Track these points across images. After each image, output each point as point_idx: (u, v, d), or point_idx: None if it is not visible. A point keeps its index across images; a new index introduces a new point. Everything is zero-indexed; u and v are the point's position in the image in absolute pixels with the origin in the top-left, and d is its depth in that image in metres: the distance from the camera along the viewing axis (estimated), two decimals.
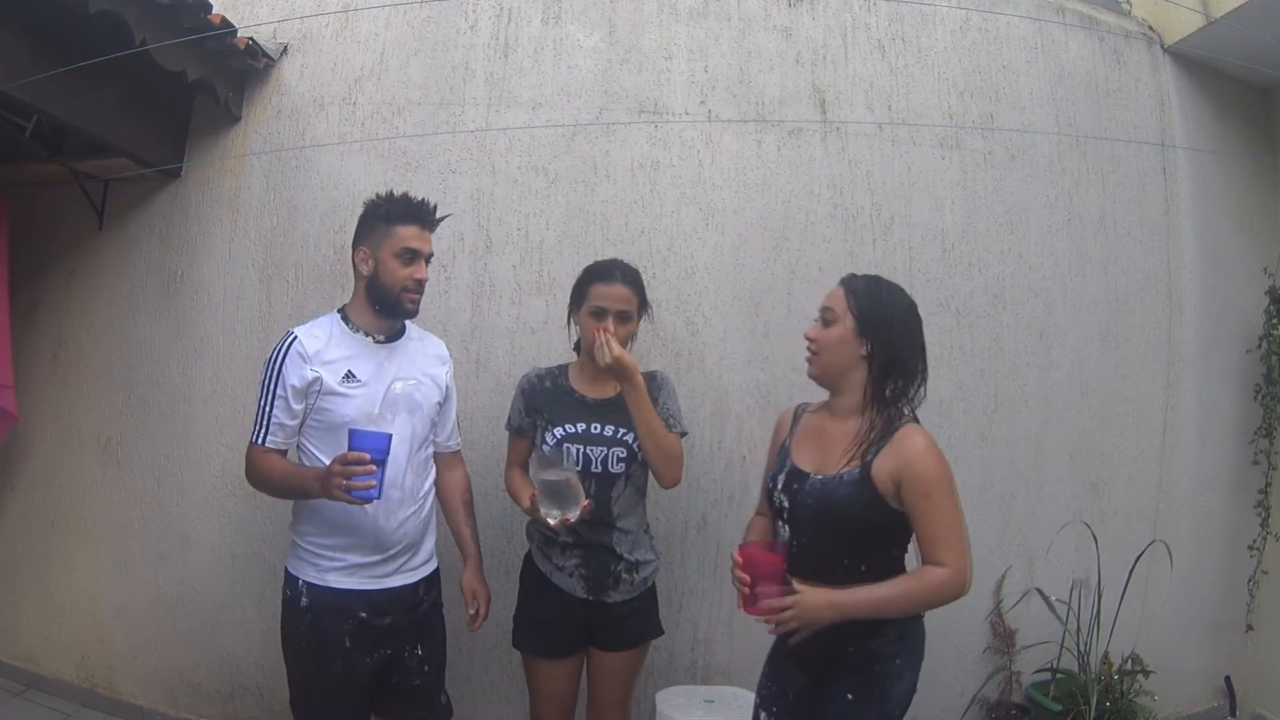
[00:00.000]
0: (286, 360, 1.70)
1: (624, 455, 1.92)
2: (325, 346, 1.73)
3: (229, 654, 2.57)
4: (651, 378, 2.00)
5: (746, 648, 2.48)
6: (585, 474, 1.88)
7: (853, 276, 1.63)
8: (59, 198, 2.84)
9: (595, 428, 1.93)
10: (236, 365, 2.61)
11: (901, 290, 1.62)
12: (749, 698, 2.15)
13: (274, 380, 1.70)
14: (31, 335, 2.84)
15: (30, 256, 2.84)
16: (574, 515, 1.75)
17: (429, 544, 1.88)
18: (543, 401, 1.98)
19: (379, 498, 1.57)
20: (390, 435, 1.62)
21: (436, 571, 1.91)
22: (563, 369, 2.04)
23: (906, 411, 1.57)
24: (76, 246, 2.83)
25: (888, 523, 1.52)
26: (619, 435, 1.93)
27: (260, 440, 1.70)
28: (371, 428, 1.70)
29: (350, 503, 1.56)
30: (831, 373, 1.59)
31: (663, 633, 2.11)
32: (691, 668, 2.51)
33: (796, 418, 1.73)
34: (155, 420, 2.68)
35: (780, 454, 1.68)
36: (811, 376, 1.64)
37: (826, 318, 1.59)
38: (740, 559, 1.55)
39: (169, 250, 2.71)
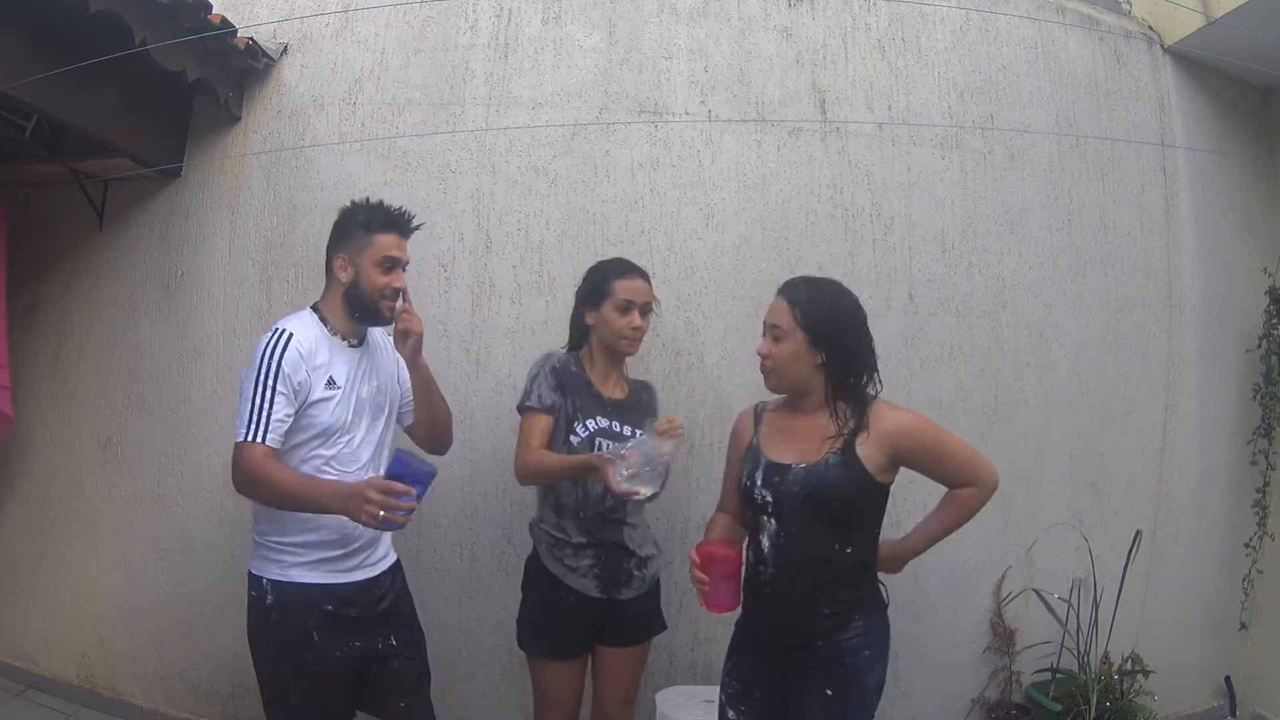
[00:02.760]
0: (285, 356, 1.64)
1: None
2: (315, 349, 1.69)
3: (229, 654, 2.56)
4: (649, 389, 2.13)
5: None
6: None
7: (792, 286, 1.64)
8: (59, 198, 2.84)
9: (616, 425, 1.96)
10: (236, 365, 2.59)
11: (842, 288, 1.65)
12: None
13: (273, 374, 1.62)
14: (31, 336, 2.84)
15: (30, 256, 2.84)
16: (658, 489, 1.75)
17: (387, 538, 1.87)
18: (571, 388, 1.96)
19: (402, 528, 1.53)
20: (435, 471, 1.57)
21: (398, 561, 1.90)
22: (577, 359, 2.03)
23: (871, 394, 1.63)
24: (76, 246, 2.83)
25: (874, 499, 1.60)
26: (635, 435, 1.95)
27: (259, 437, 1.59)
28: (344, 435, 1.70)
29: (374, 528, 1.51)
30: (791, 384, 1.63)
31: (666, 627, 2.12)
32: (691, 668, 2.51)
33: (758, 417, 1.75)
34: (155, 420, 2.68)
35: (750, 452, 1.70)
36: (771, 389, 1.67)
37: (776, 334, 1.61)
38: (697, 558, 1.60)
39: (169, 250, 2.71)
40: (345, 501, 1.50)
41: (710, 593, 1.59)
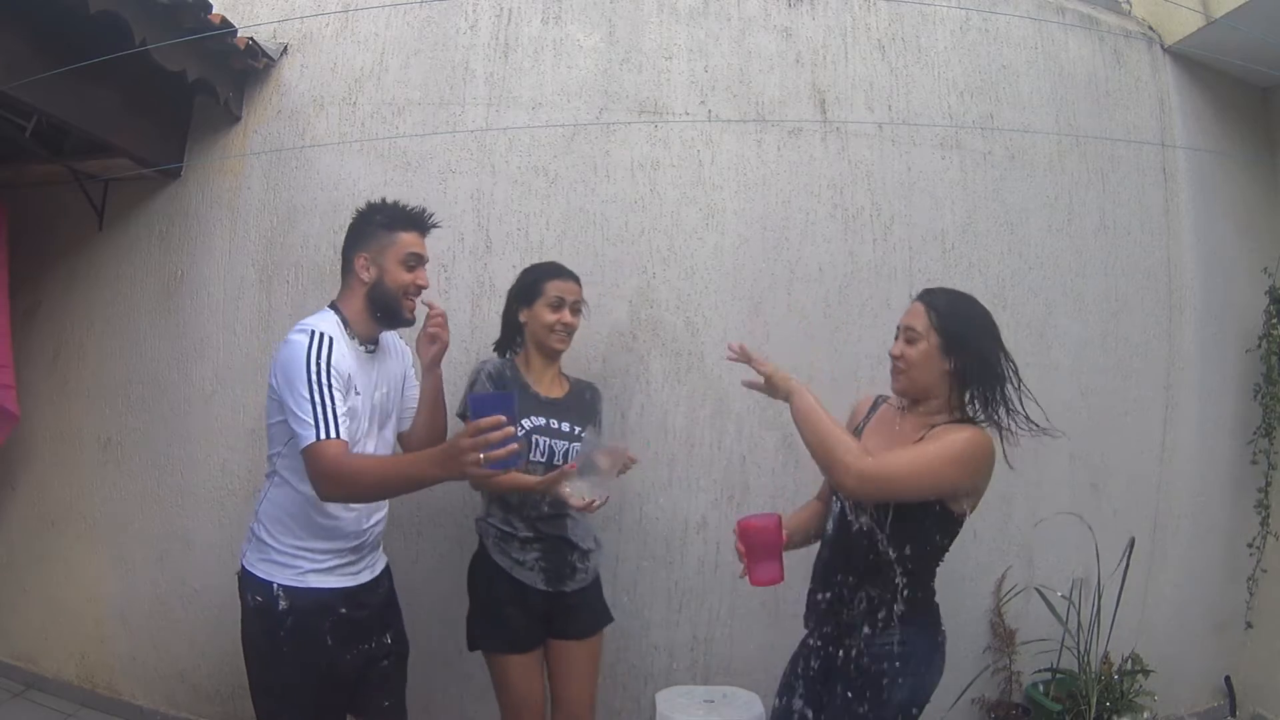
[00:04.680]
0: (333, 354, 1.60)
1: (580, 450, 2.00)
2: (344, 353, 1.66)
3: (229, 654, 2.54)
4: (592, 389, 2.18)
5: (746, 648, 2.48)
6: (549, 465, 1.96)
7: (931, 293, 1.65)
8: (59, 198, 2.85)
9: (554, 423, 2.02)
10: (236, 365, 2.61)
11: (978, 303, 1.65)
12: (749, 697, 2.16)
13: (324, 372, 1.56)
14: (31, 336, 2.84)
15: (30, 256, 2.84)
16: (604, 498, 1.82)
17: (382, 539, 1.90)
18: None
19: (519, 463, 1.48)
20: (511, 393, 1.55)
21: (388, 563, 1.91)
22: (512, 364, 2.08)
23: (982, 417, 1.60)
24: (76, 246, 2.84)
25: (937, 514, 1.56)
26: (575, 432, 2.03)
27: (332, 433, 1.52)
28: (361, 443, 1.68)
29: (488, 476, 1.46)
30: (917, 387, 1.62)
31: (612, 619, 2.14)
32: (691, 668, 2.51)
33: (875, 407, 1.78)
34: (155, 420, 2.68)
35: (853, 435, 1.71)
36: (898, 391, 1.66)
37: (909, 336, 1.60)
38: (738, 531, 1.63)
39: (169, 250, 2.72)
40: (445, 465, 1.42)
41: (750, 566, 1.61)
